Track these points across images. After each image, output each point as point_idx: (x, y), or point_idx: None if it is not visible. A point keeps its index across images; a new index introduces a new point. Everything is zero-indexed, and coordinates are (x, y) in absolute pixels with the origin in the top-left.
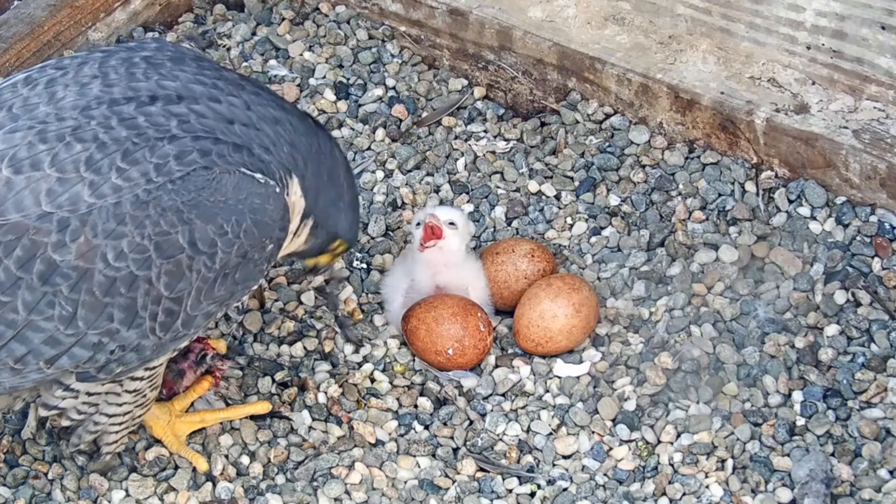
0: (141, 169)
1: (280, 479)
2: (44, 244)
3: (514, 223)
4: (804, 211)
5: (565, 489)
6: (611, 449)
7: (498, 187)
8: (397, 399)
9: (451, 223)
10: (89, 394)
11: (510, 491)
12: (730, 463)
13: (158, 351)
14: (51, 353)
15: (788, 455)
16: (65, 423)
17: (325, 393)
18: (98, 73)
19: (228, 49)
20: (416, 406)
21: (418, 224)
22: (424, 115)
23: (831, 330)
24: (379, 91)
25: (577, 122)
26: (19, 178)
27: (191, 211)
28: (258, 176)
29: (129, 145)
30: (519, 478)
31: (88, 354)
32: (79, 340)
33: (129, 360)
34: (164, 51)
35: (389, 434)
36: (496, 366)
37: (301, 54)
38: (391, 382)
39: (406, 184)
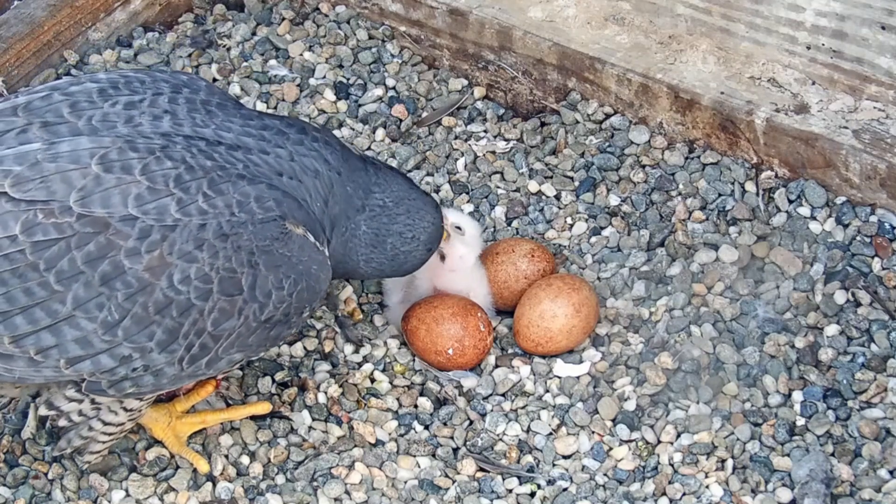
0: (225, 200)
1: (280, 479)
2: (118, 247)
3: (514, 223)
4: (804, 211)
5: (565, 489)
6: (611, 449)
7: (498, 187)
8: (397, 399)
9: (458, 227)
10: (94, 401)
11: (510, 491)
12: (730, 463)
13: (174, 381)
14: (76, 353)
15: (788, 455)
16: (62, 422)
17: (325, 393)
18: (168, 109)
19: (228, 49)
20: (416, 406)
21: None
22: (424, 115)
23: (831, 330)
24: (379, 91)
25: (577, 122)
26: (109, 177)
27: (260, 256)
28: (318, 244)
29: (215, 175)
30: (519, 478)
31: (112, 365)
32: (110, 349)
33: (145, 382)
34: (214, 94)
35: (389, 434)
36: (496, 366)
37: (301, 54)
38: (391, 382)
39: None
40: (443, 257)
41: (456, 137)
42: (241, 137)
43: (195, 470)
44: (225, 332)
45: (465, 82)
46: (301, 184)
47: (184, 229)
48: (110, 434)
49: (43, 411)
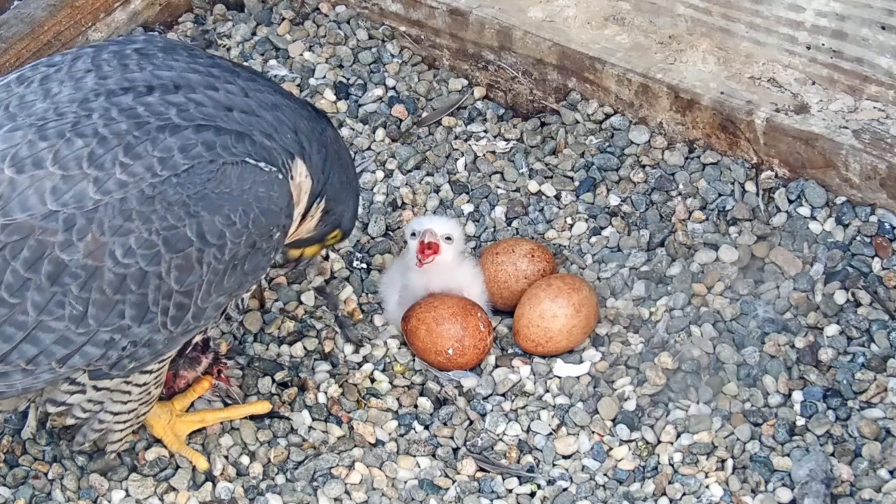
0: (145, 163)
1: (280, 479)
2: (51, 244)
3: (514, 223)
4: (804, 211)
5: (565, 489)
6: (611, 449)
7: (498, 187)
8: (397, 399)
9: (448, 238)
10: (97, 388)
11: (510, 491)
12: (730, 463)
13: (170, 344)
14: (62, 353)
15: (788, 455)
16: (69, 421)
17: (325, 393)
18: (91, 67)
19: (228, 49)
20: (416, 406)
21: (413, 234)
22: (424, 115)
23: (831, 330)
24: (379, 91)
25: (577, 122)
26: (22, 178)
27: (197, 203)
28: (262, 165)
29: (131, 139)
30: (519, 478)
31: (100, 352)
32: (90, 339)
33: (142, 355)
34: (154, 42)
35: (389, 434)
36: (496, 366)
37: (301, 54)
38: (391, 382)
39: (406, 184)
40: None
41: (456, 137)
42: (185, 74)
43: (195, 470)
44: (194, 285)
45: (465, 82)
46: (259, 118)
47: (107, 207)
48: (125, 421)
49: (50, 409)
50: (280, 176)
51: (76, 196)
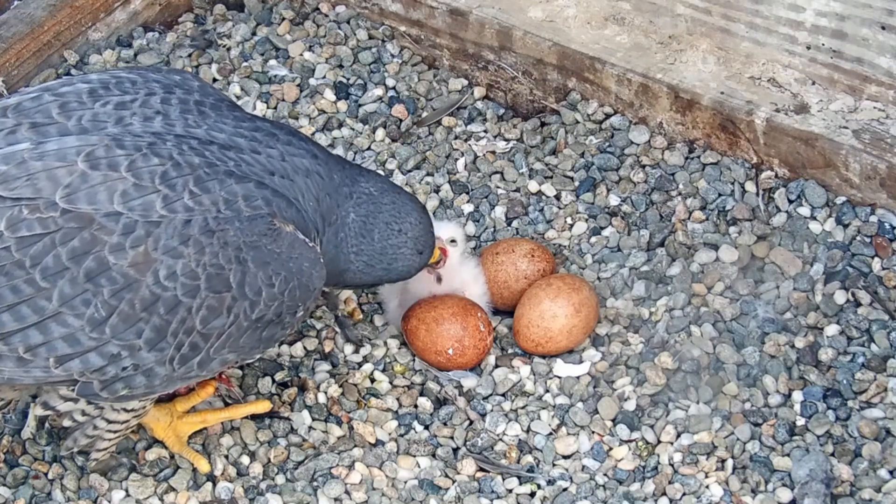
0: (212, 198)
1: (280, 479)
2: (103, 242)
3: (514, 223)
4: (804, 211)
5: (565, 489)
6: (611, 449)
7: (498, 187)
8: (397, 399)
9: (453, 240)
10: (90, 402)
11: (510, 491)
12: (730, 463)
13: (166, 384)
14: (65, 351)
15: (788, 455)
16: (66, 422)
17: (325, 393)
18: (161, 110)
19: (228, 49)
20: (416, 406)
21: None
22: (424, 115)
23: (831, 330)
24: (379, 91)
25: (577, 122)
26: (96, 174)
27: (248, 252)
28: (308, 241)
29: (202, 173)
30: (519, 478)
31: (101, 363)
32: (98, 347)
33: (137, 384)
34: (207, 97)
35: (389, 434)
36: (496, 366)
37: (301, 54)
38: (391, 382)
39: (406, 184)
40: (439, 279)
41: (456, 137)
42: (234, 138)
43: (195, 470)
44: (215, 331)
45: (465, 82)
46: (293, 183)
47: (168, 225)
48: (116, 432)
49: (39, 412)
50: (322, 259)
51: (144, 205)
